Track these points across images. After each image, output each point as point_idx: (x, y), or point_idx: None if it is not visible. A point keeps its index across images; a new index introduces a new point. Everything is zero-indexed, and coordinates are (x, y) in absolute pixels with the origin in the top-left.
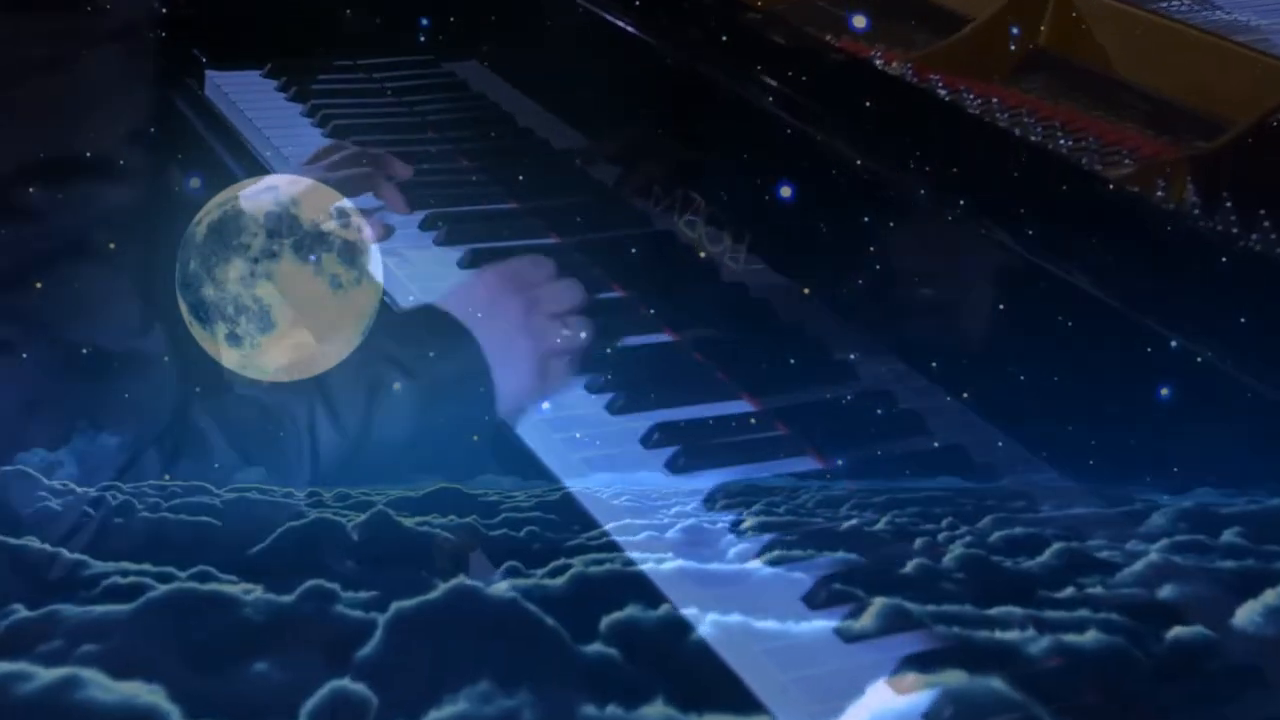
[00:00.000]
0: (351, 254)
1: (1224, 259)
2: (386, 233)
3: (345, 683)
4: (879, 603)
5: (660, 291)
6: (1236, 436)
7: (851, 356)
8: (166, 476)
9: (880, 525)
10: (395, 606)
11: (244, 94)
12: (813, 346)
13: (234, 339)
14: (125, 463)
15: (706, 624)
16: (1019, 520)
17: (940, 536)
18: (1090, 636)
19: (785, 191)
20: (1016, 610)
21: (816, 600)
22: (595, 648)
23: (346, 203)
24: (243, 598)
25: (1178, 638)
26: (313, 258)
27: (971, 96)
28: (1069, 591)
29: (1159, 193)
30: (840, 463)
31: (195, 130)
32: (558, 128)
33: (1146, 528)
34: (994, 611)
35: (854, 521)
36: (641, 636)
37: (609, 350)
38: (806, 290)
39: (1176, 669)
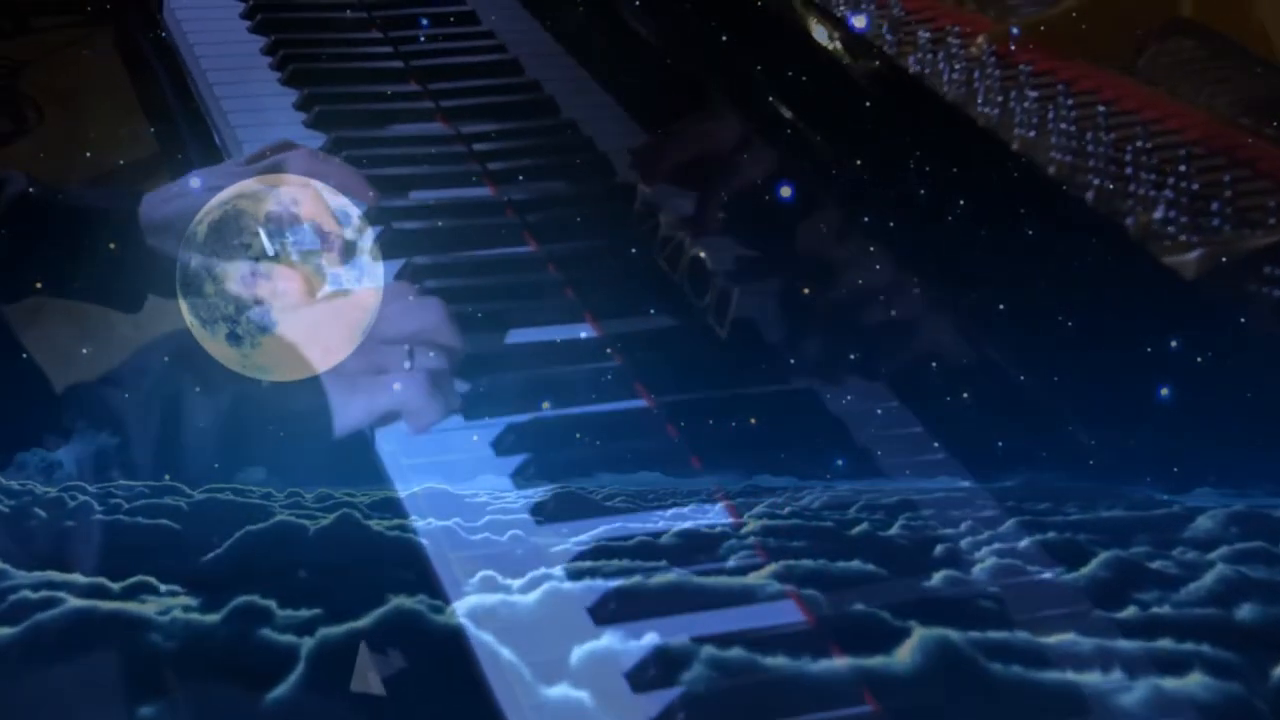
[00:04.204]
0: (352, 254)
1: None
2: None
3: None
4: (918, 634)
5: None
6: (1237, 436)
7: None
8: (167, 476)
9: (894, 530)
10: (320, 634)
11: (201, 22)
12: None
13: (234, 339)
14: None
15: (701, 660)
16: (1048, 524)
17: (963, 543)
18: (1196, 680)
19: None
20: (1082, 640)
21: (838, 628)
22: (561, 690)
23: (348, 203)
24: (155, 619)
25: None
26: (313, 258)
27: (1068, 100)
28: (1131, 611)
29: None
30: (840, 462)
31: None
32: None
33: (1193, 533)
34: (1053, 641)
35: (864, 525)
36: (620, 676)
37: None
38: (806, 290)
39: None
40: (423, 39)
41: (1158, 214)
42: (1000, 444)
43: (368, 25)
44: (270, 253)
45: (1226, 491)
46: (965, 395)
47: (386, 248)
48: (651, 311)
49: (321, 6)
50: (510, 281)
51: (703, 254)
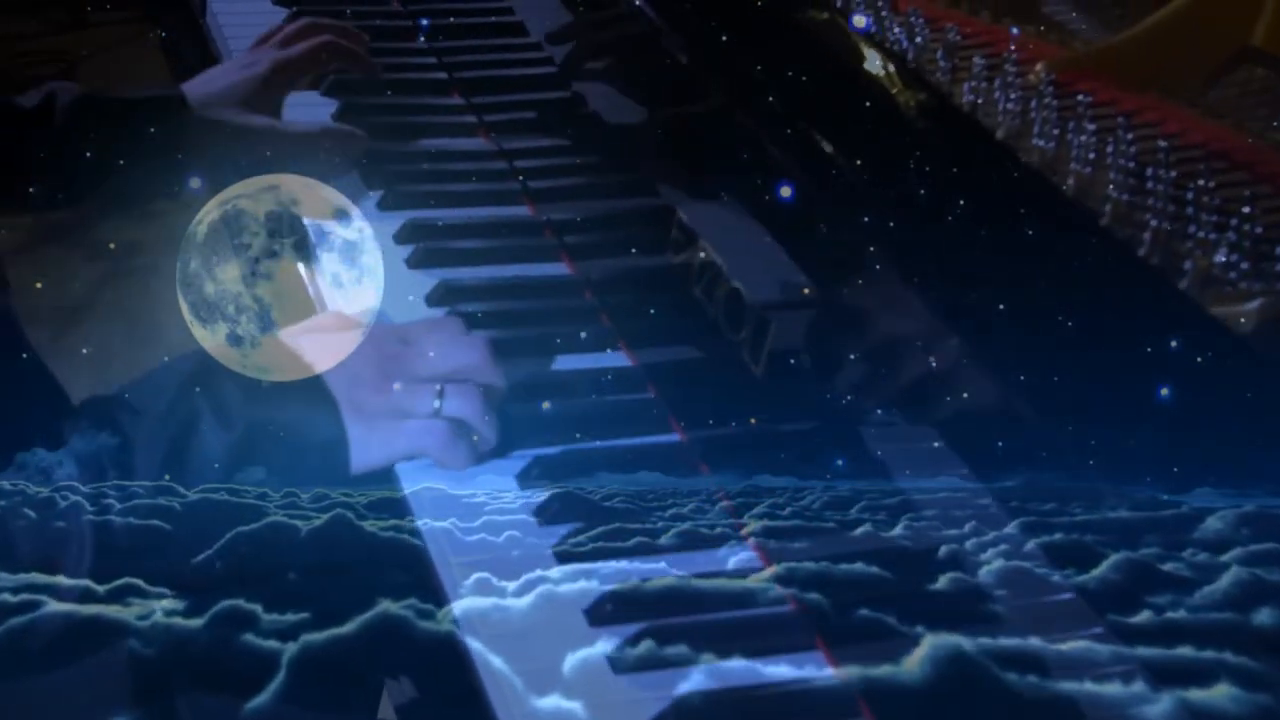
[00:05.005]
0: (352, 254)
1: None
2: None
3: None
4: (927, 642)
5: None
6: (1237, 436)
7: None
8: (166, 477)
9: (897, 530)
10: (304, 640)
11: (242, 27)
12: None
13: (234, 339)
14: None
15: (699, 670)
16: (1054, 525)
17: (968, 545)
18: (1223, 692)
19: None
20: (1098, 647)
21: (842, 635)
22: (553, 701)
23: (347, 203)
24: (134, 624)
25: None
26: (313, 258)
27: (1128, 134)
28: (1146, 616)
29: None
30: (841, 462)
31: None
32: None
33: (1202, 534)
34: (1069, 648)
35: (867, 527)
36: (614, 685)
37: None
38: (807, 291)
39: None
40: (456, 40)
41: (1218, 258)
42: (1000, 444)
43: (411, 34)
44: (270, 252)
45: (1227, 491)
46: (966, 395)
47: (417, 265)
48: (684, 341)
49: (364, 15)
50: (544, 305)
51: (739, 285)
